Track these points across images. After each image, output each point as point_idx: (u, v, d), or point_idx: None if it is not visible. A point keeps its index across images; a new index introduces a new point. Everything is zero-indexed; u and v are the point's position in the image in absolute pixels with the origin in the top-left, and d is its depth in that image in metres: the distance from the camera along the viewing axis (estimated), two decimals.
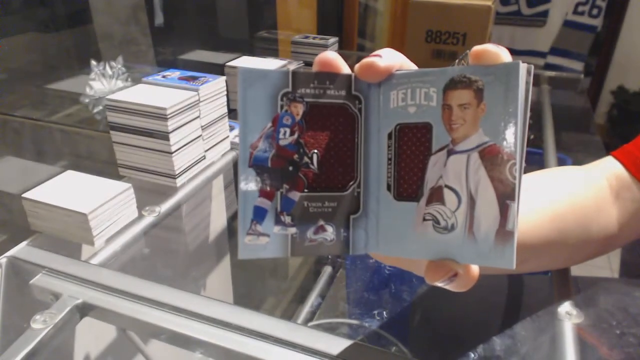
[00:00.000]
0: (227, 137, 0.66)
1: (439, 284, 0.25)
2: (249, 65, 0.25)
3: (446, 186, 0.24)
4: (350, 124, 0.26)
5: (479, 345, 0.50)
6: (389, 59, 0.26)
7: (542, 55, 2.49)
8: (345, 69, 0.26)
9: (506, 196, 0.22)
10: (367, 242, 0.27)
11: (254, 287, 0.96)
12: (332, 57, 0.25)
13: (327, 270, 0.73)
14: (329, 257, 0.76)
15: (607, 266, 1.29)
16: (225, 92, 0.63)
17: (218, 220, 0.74)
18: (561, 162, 0.73)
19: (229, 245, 0.82)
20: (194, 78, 0.61)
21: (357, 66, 0.26)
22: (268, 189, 0.25)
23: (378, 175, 0.27)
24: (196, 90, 0.58)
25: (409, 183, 0.26)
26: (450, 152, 0.24)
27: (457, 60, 0.25)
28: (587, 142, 1.01)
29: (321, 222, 0.26)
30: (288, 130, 0.25)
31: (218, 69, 0.78)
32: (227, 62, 0.79)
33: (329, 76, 0.25)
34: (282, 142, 0.25)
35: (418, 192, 0.25)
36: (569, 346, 0.39)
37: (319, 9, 1.42)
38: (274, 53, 1.21)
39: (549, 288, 0.46)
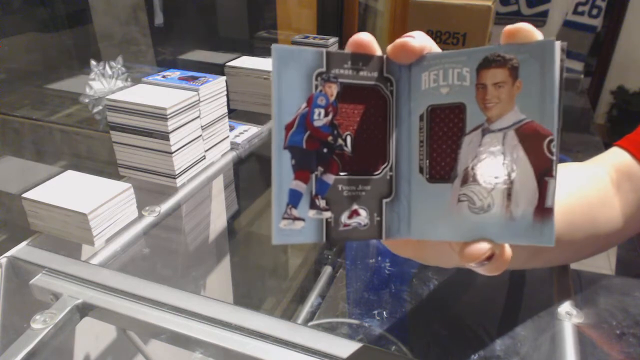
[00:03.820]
0: (227, 137, 0.66)
1: (473, 266, 0.25)
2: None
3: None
4: (382, 106, 0.26)
5: (479, 345, 0.50)
6: (421, 39, 0.25)
7: None
8: (378, 51, 0.25)
9: (545, 172, 0.22)
10: (399, 226, 0.26)
11: (254, 287, 0.96)
12: (366, 39, 0.25)
13: (327, 270, 0.73)
14: (329, 257, 0.76)
15: (607, 266, 1.29)
16: (225, 92, 0.63)
17: (218, 220, 0.74)
18: (561, 162, 0.73)
19: (229, 245, 0.82)
20: (194, 78, 0.61)
21: (389, 47, 0.25)
22: (303, 171, 0.24)
23: (409, 158, 0.26)
24: (196, 90, 0.58)
25: (441, 165, 0.25)
26: (486, 131, 0.24)
27: None
28: (587, 142, 1.01)
29: (355, 206, 0.25)
30: (322, 111, 0.24)
31: (218, 69, 0.78)
32: (227, 62, 0.79)
33: (362, 57, 0.25)
34: (316, 124, 0.24)
35: (452, 174, 0.25)
36: (569, 346, 0.39)
37: (319, 9, 1.42)
38: None
39: (549, 288, 0.46)
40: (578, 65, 2.47)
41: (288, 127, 0.24)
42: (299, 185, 0.24)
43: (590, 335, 0.43)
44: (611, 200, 0.44)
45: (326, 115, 0.24)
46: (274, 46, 0.23)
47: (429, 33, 0.90)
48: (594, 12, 2.38)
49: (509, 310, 0.57)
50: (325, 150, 0.25)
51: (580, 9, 2.39)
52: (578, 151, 0.89)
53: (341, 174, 0.25)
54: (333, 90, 0.24)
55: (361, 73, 0.25)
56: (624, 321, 0.46)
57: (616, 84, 2.61)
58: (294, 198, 0.24)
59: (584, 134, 1.07)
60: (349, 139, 0.25)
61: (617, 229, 0.44)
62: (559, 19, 2.43)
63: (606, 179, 0.45)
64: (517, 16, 2.47)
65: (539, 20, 2.46)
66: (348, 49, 0.25)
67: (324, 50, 0.24)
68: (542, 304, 0.49)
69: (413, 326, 0.59)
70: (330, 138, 0.25)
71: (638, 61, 2.52)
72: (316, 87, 0.24)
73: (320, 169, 0.25)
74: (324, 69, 0.24)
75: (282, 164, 0.23)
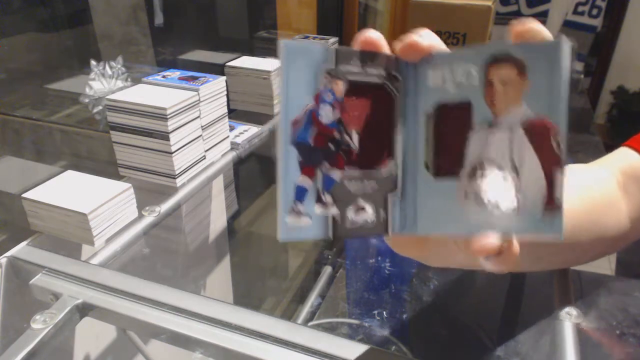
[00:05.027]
0: (227, 137, 0.66)
1: (482, 261, 0.25)
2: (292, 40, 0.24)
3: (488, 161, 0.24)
4: (388, 103, 0.26)
5: (479, 345, 0.50)
6: (430, 38, 0.26)
7: None
8: (386, 49, 0.26)
9: (553, 167, 0.22)
10: (405, 222, 0.27)
11: (254, 287, 0.96)
12: (375, 37, 0.25)
13: (327, 270, 0.73)
14: (329, 256, 0.76)
15: (607, 267, 1.29)
16: (225, 92, 0.63)
17: (218, 220, 0.74)
18: None
19: (229, 245, 0.82)
20: (194, 78, 0.61)
21: (399, 45, 0.26)
22: (310, 167, 0.24)
23: (415, 155, 0.26)
24: (196, 90, 0.57)
25: (448, 161, 0.25)
26: (493, 128, 0.24)
27: None
28: (587, 142, 1.01)
29: (361, 202, 0.25)
30: (329, 108, 0.24)
31: (218, 69, 0.78)
32: (227, 62, 0.79)
33: (369, 55, 0.25)
34: (323, 120, 0.24)
35: (458, 169, 0.25)
36: (569, 346, 0.39)
37: (319, 9, 1.42)
38: (274, 53, 1.21)
39: (549, 288, 0.46)
40: (578, 65, 2.47)
41: (295, 123, 0.23)
42: (305, 181, 0.24)
43: (590, 335, 0.43)
44: (617, 203, 0.44)
45: (333, 111, 0.24)
46: (282, 41, 0.23)
47: None
48: (594, 12, 2.38)
49: (509, 310, 0.58)
50: (331, 146, 0.25)
51: (580, 9, 2.39)
52: (578, 151, 0.89)
53: (347, 169, 0.25)
54: (340, 86, 0.24)
55: (368, 70, 0.25)
56: (624, 321, 0.46)
57: (616, 84, 2.61)
58: (300, 194, 0.24)
59: (584, 134, 1.07)
60: (355, 135, 0.25)
61: (623, 232, 0.44)
62: (559, 19, 2.43)
63: (612, 181, 0.44)
64: (517, 16, 2.47)
65: (538, 20, 2.46)
66: (356, 47, 0.25)
67: (333, 47, 0.24)
68: (542, 304, 0.49)
69: (413, 326, 0.59)
70: (336, 134, 0.25)
71: (638, 61, 2.52)
72: (324, 83, 0.24)
73: (327, 164, 0.25)
74: (332, 66, 0.24)
75: (288, 160, 0.23)
